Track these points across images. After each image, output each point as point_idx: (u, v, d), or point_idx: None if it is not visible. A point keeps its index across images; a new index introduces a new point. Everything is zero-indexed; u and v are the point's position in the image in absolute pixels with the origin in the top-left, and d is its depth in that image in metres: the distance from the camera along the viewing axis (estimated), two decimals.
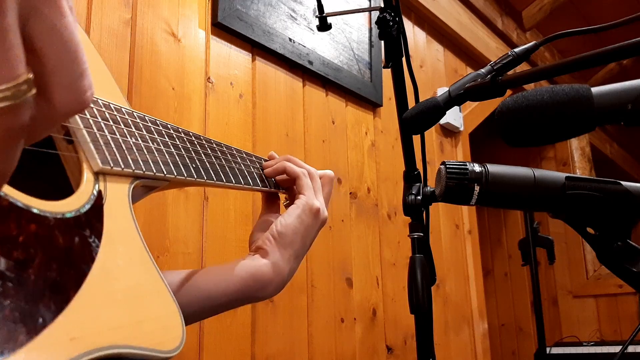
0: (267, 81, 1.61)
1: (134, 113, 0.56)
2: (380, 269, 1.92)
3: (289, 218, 0.70)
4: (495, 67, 0.88)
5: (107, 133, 0.50)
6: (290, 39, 1.67)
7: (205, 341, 1.28)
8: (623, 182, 0.51)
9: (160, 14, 1.35)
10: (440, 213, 2.35)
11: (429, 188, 0.98)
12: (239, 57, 1.53)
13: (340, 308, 1.70)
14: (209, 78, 1.43)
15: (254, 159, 0.75)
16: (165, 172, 0.55)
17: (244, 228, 1.43)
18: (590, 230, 0.52)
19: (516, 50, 0.90)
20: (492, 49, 2.93)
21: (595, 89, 0.47)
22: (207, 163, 0.64)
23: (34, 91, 0.29)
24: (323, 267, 1.66)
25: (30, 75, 0.29)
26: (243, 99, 1.52)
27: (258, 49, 1.59)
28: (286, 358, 1.48)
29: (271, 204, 0.79)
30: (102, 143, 0.49)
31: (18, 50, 0.28)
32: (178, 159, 0.59)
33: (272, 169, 0.76)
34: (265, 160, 0.78)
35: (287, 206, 0.78)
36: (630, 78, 0.48)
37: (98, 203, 0.45)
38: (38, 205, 0.39)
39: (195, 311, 0.65)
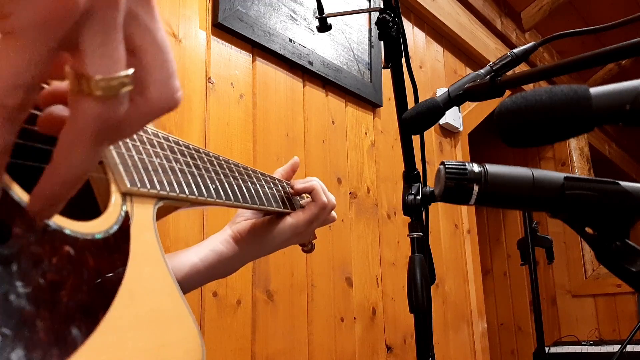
0: (267, 81, 1.61)
1: (159, 133, 0.57)
2: (380, 269, 1.92)
3: (283, 234, 0.76)
4: (494, 68, 0.89)
5: (134, 154, 0.51)
6: (290, 40, 1.68)
7: (205, 340, 1.28)
8: (621, 182, 0.52)
9: (160, 14, 1.35)
10: (439, 213, 2.36)
11: (428, 188, 0.99)
12: (240, 57, 1.54)
13: (340, 307, 1.70)
14: (209, 78, 1.43)
15: (268, 178, 0.76)
16: (187, 193, 0.56)
17: None
18: (589, 230, 0.53)
19: (515, 50, 0.91)
20: (491, 49, 2.93)
21: (593, 90, 0.48)
22: (225, 184, 0.65)
23: (131, 87, 0.31)
24: (323, 267, 1.67)
25: (131, 71, 0.31)
26: (243, 100, 1.52)
27: (258, 50, 1.59)
28: (286, 357, 1.48)
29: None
30: (130, 164, 0.49)
31: (122, 47, 0.31)
32: (199, 180, 0.60)
33: (303, 187, 0.80)
34: (279, 180, 0.79)
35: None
36: (629, 78, 0.48)
37: (125, 224, 0.45)
38: (69, 225, 0.39)
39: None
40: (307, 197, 0.82)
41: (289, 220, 0.76)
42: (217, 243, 0.75)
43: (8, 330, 0.31)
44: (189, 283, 0.72)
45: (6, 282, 0.33)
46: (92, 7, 0.29)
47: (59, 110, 0.38)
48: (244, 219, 0.78)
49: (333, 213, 0.84)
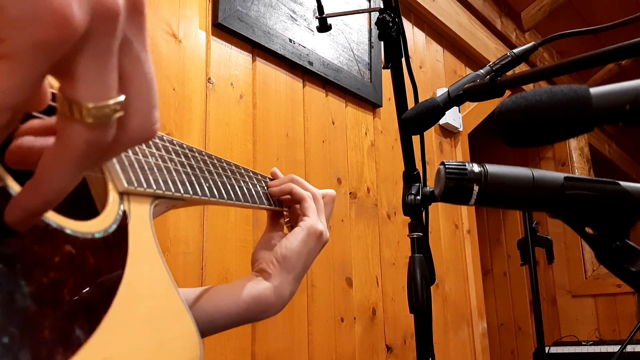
0: (267, 82, 1.61)
1: None
2: (380, 269, 1.92)
3: (293, 241, 0.72)
4: (494, 68, 0.89)
5: (130, 154, 0.51)
6: (290, 40, 1.68)
7: (205, 340, 1.28)
8: (621, 182, 0.52)
9: (160, 14, 1.35)
10: (439, 213, 2.36)
11: (428, 188, 0.99)
12: (240, 57, 1.54)
13: (340, 307, 1.70)
14: (209, 79, 1.43)
15: (259, 177, 0.77)
16: (182, 192, 0.57)
17: (244, 228, 1.43)
18: (589, 230, 0.53)
19: (515, 51, 0.91)
20: (491, 49, 2.93)
21: (593, 90, 0.48)
22: (219, 182, 0.66)
23: (122, 113, 0.31)
24: (323, 267, 1.67)
25: (123, 98, 0.31)
26: (243, 100, 1.52)
27: (258, 50, 1.59)
28: (286, 357, 1.48)
29: (275, 221, 0.79)
30: (126, 163, 0.50)
31: (115, 74, 0.31)
32: (193, 179, 0.61)
33: (279, 190, 0.77)
34: (270, 179, 0.79)
35: (288, 225, 0.80)
36: (629, 78, 0.48)
37: (123, 223, 0.45)
38: (69, 225, 0.39)
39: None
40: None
41: (300, 229, 0.72)
42: (249, 287, 0.68)
43: (15, 329, 0.32)
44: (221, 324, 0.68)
45: (11, 282, 0.33)
46: (89, 32, 0.28)
47: (28, 141, 0.38)
48: (261, 257, 0.73)
49: (328, 191, 0.79)
